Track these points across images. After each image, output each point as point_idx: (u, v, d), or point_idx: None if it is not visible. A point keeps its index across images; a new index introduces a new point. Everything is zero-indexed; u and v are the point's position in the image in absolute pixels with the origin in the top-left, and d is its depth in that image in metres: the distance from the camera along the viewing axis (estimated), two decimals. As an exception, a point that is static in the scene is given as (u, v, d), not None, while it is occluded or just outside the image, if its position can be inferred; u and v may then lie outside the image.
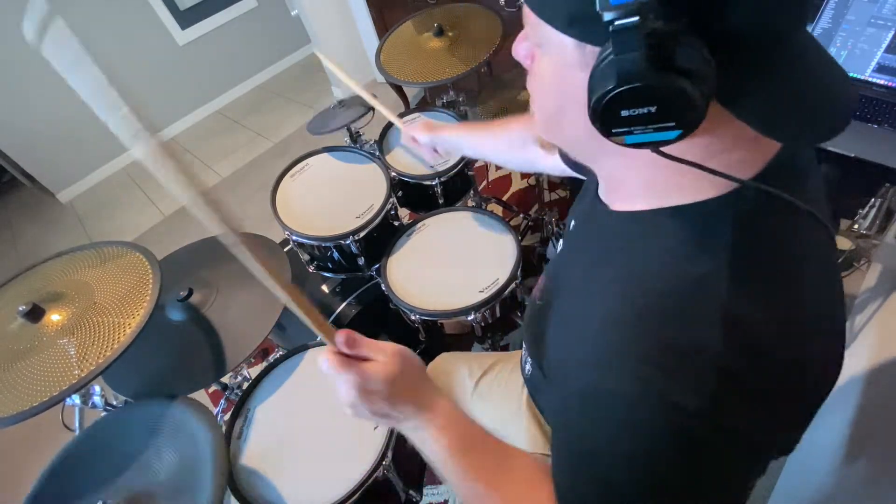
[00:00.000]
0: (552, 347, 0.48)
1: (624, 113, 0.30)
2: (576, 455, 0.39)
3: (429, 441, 0.48)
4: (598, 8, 0.28)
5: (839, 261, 1.48)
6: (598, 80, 0.30)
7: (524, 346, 0.77)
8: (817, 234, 0.39)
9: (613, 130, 0.32)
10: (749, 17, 0.28)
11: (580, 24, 0.30)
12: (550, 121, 0.41)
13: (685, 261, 0.35)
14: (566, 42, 0.33)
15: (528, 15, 0.36)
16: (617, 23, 0.27)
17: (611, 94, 0.30)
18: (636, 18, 0.27)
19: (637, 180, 0.40)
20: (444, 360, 1.04)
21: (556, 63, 0.36)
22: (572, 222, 0.60)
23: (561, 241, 0.64)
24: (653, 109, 0.30)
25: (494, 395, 0.92)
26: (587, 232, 0.49)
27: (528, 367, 0.75)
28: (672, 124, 0.30)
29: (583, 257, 0.47)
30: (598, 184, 0.49)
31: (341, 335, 0.49)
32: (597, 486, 0.37)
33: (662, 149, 0.33)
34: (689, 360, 0.32)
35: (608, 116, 0.31)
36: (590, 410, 0.37)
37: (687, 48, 0.28)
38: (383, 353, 0.48)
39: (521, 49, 0.40)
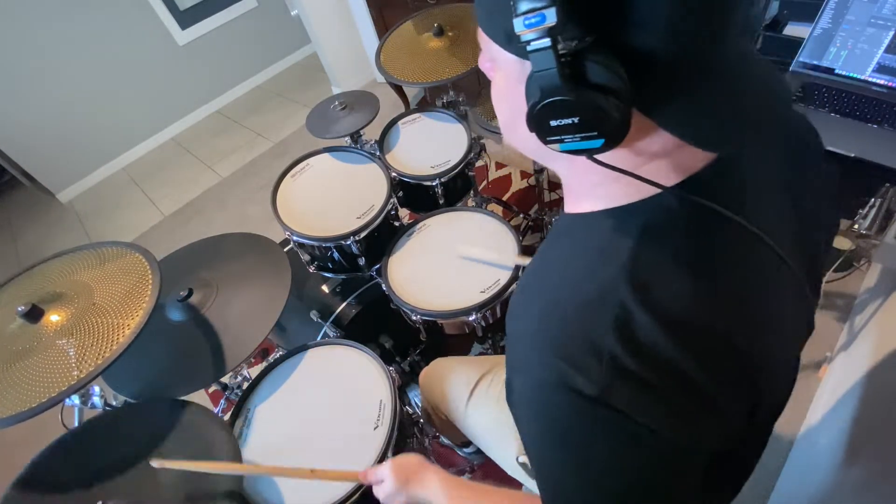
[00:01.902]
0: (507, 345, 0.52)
1: (553, 123, 0.34)
2: (529, 453, 0.43)
3: (437, 498, 0.66)
4: (515, 30, 0.30)
5: (839, 261, 1.49)
6: (529, 92, 0.34)
7: None
8: (748, 248, 0.40)
9: (548, 138, 0.35)
10: (656, 38, 0.30)
11: (515, 43, 0.32)
12: (507, 129, 0.44)
13: (597, 261, 0.38)
14: (510, 58, 0.37)
15: (481, 32, 0.39)
16: (532, 44, 0.30)
17: (537, 106, 0.33)
18: (547, 40, 0.30)
19: (581, 184, 0.44)
20: (440, 366, 1.04)
21: (505, 76, 0.39)
22: None
23: None
24: (575, 120, 0.33)
25: (491, 400, 0.92)
26: (552, 233, 0.53)
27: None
28: (595, 133, 0.33)
29: (539, 256, 0.51)
30: None
31: (363, 475, 0.75)
32: (549, 477, 0.42)
33: (598, 156, 0.36)
34: (588, 355, 0.35)
35: (541, 126, 0.35)
36: (521, 407, 0.41)
37: (596, 65, 0.31)
38: (387, 469, 0.71)
39: (484, 62, 0.43)
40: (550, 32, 0.29)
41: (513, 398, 0.42)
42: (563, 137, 0.34)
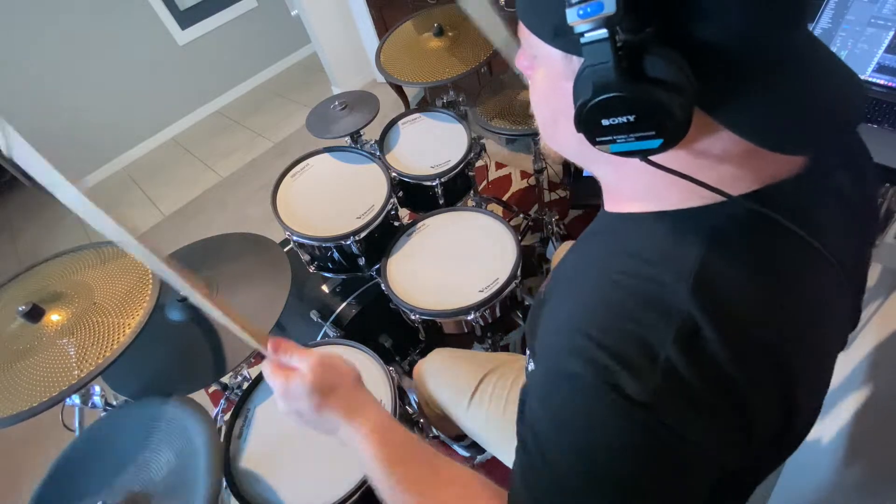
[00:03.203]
0: (539, 337, 0.48)
1: (605, 122, 0.31)
2: (527, 442, 0.39)
3: (358, 450, 0.49)
4: (568, 21, 0.28)
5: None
6: (579, 90, 0.32)
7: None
8: (813, 266, 0.38)
9: (598, 139, 0.33)
10: (722, 29, 0.28)
11: (563, 36, 0.30)
12: (547, 129, 0.42)
13: (655, 263, 0.36)
14: (554, 54, 0.34)
15: (522, 28, 0.37)
16: (587, 35, 0.28)
17: (588, 105, 0.31)
18: (604, 31, 0.28)
19: (629, 187, 0.41)
20: (439, 358, 1.03)
21: (548, 74, 0.37)
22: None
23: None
24: (631, 118, 0.30)
25: (497, 402, 0.90)
26: (589, 231, 0.50)
27: (529, 365, 0.75)
28: (652, 133, 0.31)
29: (578, 252, 0.48)
30: None
31: (270, 342, 0.52)
32: (542, 470, 0.37)
33: (653, 158, 0.33)
34: (641, 355, 0.33)
35: (591, 125, 0.32)
36: (544, 391, 0.38)
37: (657, 58, 0.29)
38: (306, 363, 0.50)
39: (522, 60, 0.40)
40: (608, 22, 0.27)
41: (533, 385, 0.40)
42: (615, 138, 0.32)
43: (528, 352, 0.78)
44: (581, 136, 0.34)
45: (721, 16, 0.28)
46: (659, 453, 0.33)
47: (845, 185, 0.43)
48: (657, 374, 0.32)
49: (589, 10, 0.27)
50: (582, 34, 0.29)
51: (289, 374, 0.50)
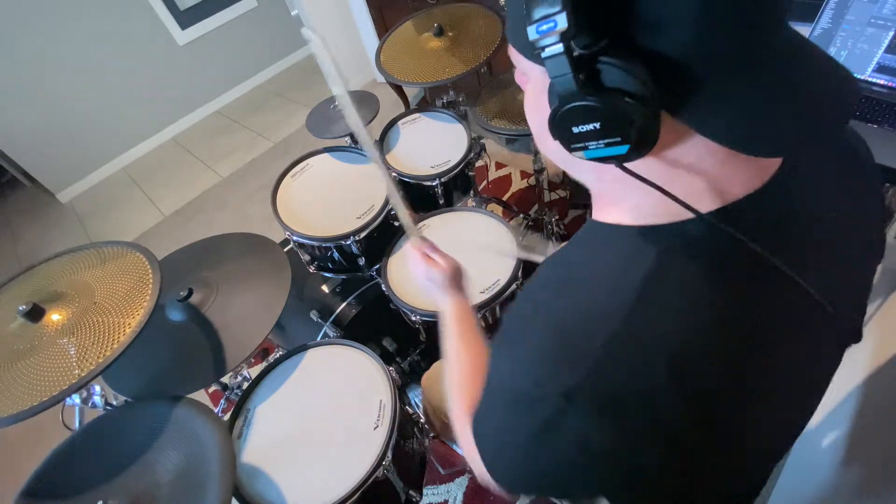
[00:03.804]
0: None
1: (575, 129, 0.33)
2: (484, 391, 0.45)
3: (444, 316, 0.70)
4: (530, 38, 0.30)
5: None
6: (550, 100, 0.35)
7: None
8: (777, 289, 0.37)
9: (572, 146, 0.35)
10: (679, 38, 0.29)
11: (535, 51, 0.32)
12: (538, 139, 0.43)
13: (607, 281, 0.38)
14: (535, 68, 0.37)
15: (510, 46, 0.39)
16: (546, 50, 0.30)
17: (556, 114, 0.33)
18: (560, 46, 0.29)
19: (609, 197, 0.42)
20: (441, 369, 1.04)
21: (533, 87, 0.39)
22: None
23: None
24: (597, 126, 0.32)
25: None
26: (580, 232, 0.52)
27: None
28: (618, 139, 0.32)
29: (561, 251, 0.50)
30: None
31: (425, 245, 0.77)
32: (483, 412, 0.44)
33: (627, 166, 0.34)
34: (574, 352, 0.36)
35: (563, 133, 0.34)
36: (496, 365, 0.44)
37: (612, 68, 0.30)
38: (446, 262, 0.74)
39: (518, 76, 0.43)
40: (563, 37, 0.29)
41: (492, 352, 0.44)
42: (586, 144, 0.34)
43: None
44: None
45: (670, 30, 0.29)
46: (559, 444, 0.36)
47: (838, 191, 0.42)
48: (583, 370, 0.35)
49: (545, 27, 0.29)
50: (543, 49, 0.30)
51: (431, 263, 0.74)
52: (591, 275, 0.40)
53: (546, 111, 0.35)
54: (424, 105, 2.44)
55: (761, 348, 0.37)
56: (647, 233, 0.38)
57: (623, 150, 0.32)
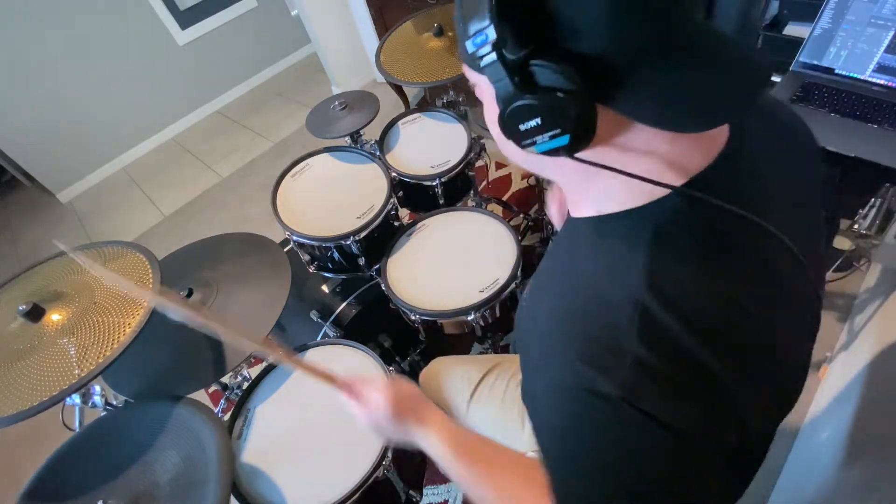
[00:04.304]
0: (520, 347, 0.52)
1: (521, 127, 0.37)
2: (543, 447, 0.43)
3: (433, 447, 0.60)
4: (468, 51, 0.34)
5: (839, 261, 1.49)
6: (498, 106, 0.37)
7: None
8: (762, 246, 0.40)
9: (522, 142, 0.38)
10: (596, 41, 0.32)
11: (476, 63, 0.35)
12: (501, 145, 0.45)
13: (614, 265, 0.40)
14: (483, 79, 0.39)
15: (463, 65, 0.42)
16: (483, 60, 0.34)
17: (502, 114, 0.37)
18: (493, 55, 0.33)
19: (577, 188, 0.45)
20: (439, 365, 1.04)
21: (486, 97, 0.42)
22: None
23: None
24: (538, 121, 0.35)
25: (494, 399, 0.92)
26: (559, 236, 0.54)
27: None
28: (559, 131, 0.35)
29: (549, 258, 0.52)
30: None
31: (342, 389, 0.65)
32: (566, 471, 0.41)
33: (578, 155, 0.37)
34: (610, 356, 0.36)
35: (512, 131, 0.37)
36: (541, 404, 0.42)
37: (541, 69, 0.34)
38: (377, 391, 0.63)
39: (475, 89, 0.45)
40: (494, 46, 0.33)
41: (529, 397, 0.43)
42: (534, 140, 0.37)
43: None
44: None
45: (585, 32, 0.32)
46: (647, 444, 0.36)
47: (787, 168, 0.46)
48: (626, 369, 0.35)
49: (478, 40, 0.33)
50: (481, 59, 0.34)
51: (370, 406, 0.63)
52: (594, 271, 0.41)
53: (496, 115, 0.38)
54: (424, 105, 2.44)
55: (767, 298, 0.40)
56: (633, 215, 0.40)
57: (565, 140, 0.36)
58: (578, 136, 0.36)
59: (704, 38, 0.35)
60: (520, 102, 0.35)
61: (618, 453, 0.36)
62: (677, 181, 0.39)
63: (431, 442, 0.60)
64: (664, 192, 0.38)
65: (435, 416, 0.62)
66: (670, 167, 0.38)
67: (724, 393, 0.37)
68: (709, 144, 0.40)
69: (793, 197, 0.46)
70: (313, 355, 1.08)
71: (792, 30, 1.34)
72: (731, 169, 0.40)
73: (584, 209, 0.45)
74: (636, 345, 0.35)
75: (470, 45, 0.34)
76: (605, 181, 0.40)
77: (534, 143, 0.37)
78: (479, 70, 0.37)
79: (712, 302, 0.37)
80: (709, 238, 0.39)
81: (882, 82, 1.16)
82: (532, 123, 0.36)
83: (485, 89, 0.41)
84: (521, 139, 0.38)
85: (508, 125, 0.37)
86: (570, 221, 0.49)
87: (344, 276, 1.43)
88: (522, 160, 0.45)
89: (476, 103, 1.47)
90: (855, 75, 1.19)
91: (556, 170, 0.45)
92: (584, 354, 0.37)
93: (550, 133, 0.36)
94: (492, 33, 0.32)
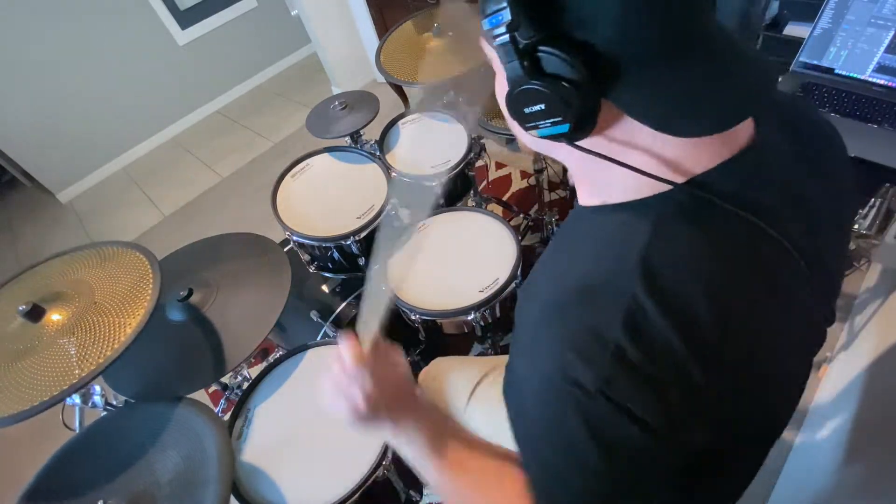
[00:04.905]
0: (515, 332, 0.49)
1: (526, 110, 0.38)
2: (520, 438, 0.43)
3: (404, 445, 0.53)
4: (484, 28, 0.35)
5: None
6: (507, 84, 0.38)
7: None
8: (759, 247, 0.39)
9: (526, 125, 0.39)
10: (606, 34, 0.33)
11: (491, 40, 0.36)
12: (510, 122, 0.45)
13: (609, 254, 0.40)
14: (496, 55, 0.39)
15: (481, 38, 0.41)
16: (497, 39, 0.35)
17: (509, 95, 0.38)
18: (506, 35, 0.34)
19: (583, 176, 0.46)
20: (439, 365, 1.04)
21: (498, 73, 0.42)
22: None
23: None
24: (542, 107, 0.36)
25: (493, 400, 0.91)
26: (565, 224, 0.53)
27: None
28: (560, 119, 0.36)
29: (551, 247, 0.51)
30: None
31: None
32: (539, 466, 0.41)
33: (586, 145, 0.38)
34: (593, 344, 0.36)
35: (517, 113, 0.38)
36: (521, 391, 0.41)
37: (550, 56, 0.34)
38: (361, 382, 0.55)
39: (489, 64, 0.45)
40: (508, 28, 0.34)
41: (511, 379, 0.43)
42: (537, 124, 0.38)
43: None
44: None
45: (596, 25, 0.33)
46: (625, 440, 0.35)
47: (802, 170, 0.44)
48: (607, 360, 0.35)
49: (495, 19, 0.34)
50: (495, 38, 0.35)
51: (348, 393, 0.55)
52: (591, 259, 0.41)
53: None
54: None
55: (764, 304, 0.39)
56: (634, 206, 0.40)
57: (565, 128, 0.36)
58: (579, 126, 0.36)
59: (713, 43, 0.35)
60: (526, 86, 0.36)
61: (587, 447, 0.36)
62: (680, 179, 0.38)
63: (412, 443, 0.53)
64: (665, 187, 0.38)
65: (415, 414, 0.55)
66: (673, 164, 0.38)
67: (701, 397, 0.36)
68: (725, 142, 0.39)
69: (812, 207, 0.44)
70: (313, 355, 1.08)
71: (792, 30, 1.34)
72: (741, 172, 0.39)
73: (590, 197, 0.45)
74: (619, 335, 0.35)
75: (486, 23, 0.35)
76: (611, 171, 0.40)
77: (536, 127, 0.38)
78: (493, 47, 0.38)
79: (707, 307, 0.36)
80: (709, 238, 0.38)
81: (882, 82, 1.16)
82: (536, 108, 0.37)
83: (498, 67, 0.41)
84: (524, 121, 0.38)
85: (514, 106, 0.38)
86: (576, 210, 0.49)
87: (344, 276, 1.43)
88: (529, 141, 0.45)
89: (476, 103, 1.45)
90: (855, 75, 1.19)
91: (564, 153, 0.45)
92: (572, 342, 0.37)
93: (552, 120, 0.36)
94: (507, 14, 0.33)
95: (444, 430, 0.55)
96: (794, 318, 0.42)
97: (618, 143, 0.39)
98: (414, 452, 0.53)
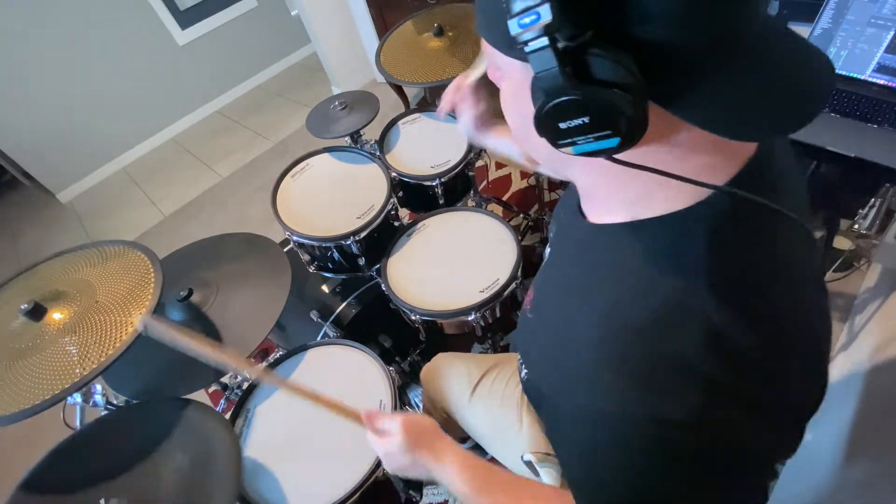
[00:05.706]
0: (542, 365, 0.48)
1: (562, 125, 0.32)
2: (584, 479, 0.40)
3: (451, 482, 0.58)
4: (511, 33, 0.29)
5: (839, 261, 1.49)
6: (534, 96, 0.32)
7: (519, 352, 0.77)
8: (796, 236, 0.39)
9: (559, 142, 0.33)
10: (664, 29, 0.28)
11: (515, 45, 0.30)
12: (519, 137, 0.42)
13: (661, 276, 0.36)
14: (515, 64, 0.35)
15: (483, 41, 0.37)
16: (530, 44, 0.29)
17: (542, 109, 0.31)
18: (545, 39, 0.28)
19: (607, 191, 0.41)
20: (442, 361, 1.04)
21: (512, 83, 0.38)
22: (554, 229, 0.61)
23: (547, 249, 0.63)
24: (586, 120, 0.31)
25: (494, 398, 0.92)
26: (568, 244, 0.50)
27: (523, 372, 0.75)
28: (608, 132, 0.31)
29: (565, 271, 0.47)
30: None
31: (364, 416, 0.66)
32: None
33: (618, 156, 0.33)
34: (675, 376, 0.33)
35: (550, 129, 0.33)
36: (583, 433, 0.39)
37: (601, 60, 0.29)
38: (395, 425, 0.62)
39: (492, 71, 0.41)
40: (547, 30, 0.28)
41: (561, 427, 0.41)
42: (575, 140, 0.32)
43: (520, 359, 0.78)
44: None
45: (659, 15, 0.28)
46: (717, 467, 0.34)
47: (784, 156, 0.44)
48: (699, 388, 0.32)
49: (528, 20, 0.28)
50: (526, 43, 0.29)
51: (385, 437, 0.62)
52: (641, 284, 0.37)
53: (527, 107, 0.33)
54: (424, 105, 2.44)
55: (814, 297, 0.40)
56: (677, 219, 0.36)
57: (614, 142, 0.31)
58: (628, 138, 0.31)
59: (771, 38, 0.32)
60: (568, 98, 0.30)
61: (683, 477, 0.34)
62: (719, 180, 0.36)
63: (449, 476, 0.58)
64: (706, 193, 0.35)
65: (450, 448, 0.60)
66: (712, 167, 0.36)
67: (789, 402, 0.35)
68: (738, 145, 0.37)
69: (786, 173, 0.44)
70: (313, 355, 1.08)
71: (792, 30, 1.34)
72: (761, 172, 0.37)
73: (611, 214, 0.41)
74: (707, 362, 0.32)
75: (513, 26, 0.29)
76: (641, 184, 0.37)
77: (573, 144, 0.33)
78: (516, 55, 0.33)
79: (778, 305, 0.34)
80: (762, 239, 0.36)
81: (882, 82, 1.16)
82: (577, 122, 0.31)
83: (513, 75, 0.37)
84: (558, 138, 0.33)
85: (547, 122, 0.32)
86: (587, 229, 0.45)
87: (344, 276, 1.43)
88: (546, 157, 0.41)
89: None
90: (855, 75, 1.19)
91: (581, 170, 0.41)
92: (651, 382, 0.33)
93: (597, 134, 0.31)
94: (546, 13, 0.27)
95: (482, 464, 0.59)
96: (824, 318, 0.43)
97: (659, 151, 0.35)
98: (459, 485, 0.57)
